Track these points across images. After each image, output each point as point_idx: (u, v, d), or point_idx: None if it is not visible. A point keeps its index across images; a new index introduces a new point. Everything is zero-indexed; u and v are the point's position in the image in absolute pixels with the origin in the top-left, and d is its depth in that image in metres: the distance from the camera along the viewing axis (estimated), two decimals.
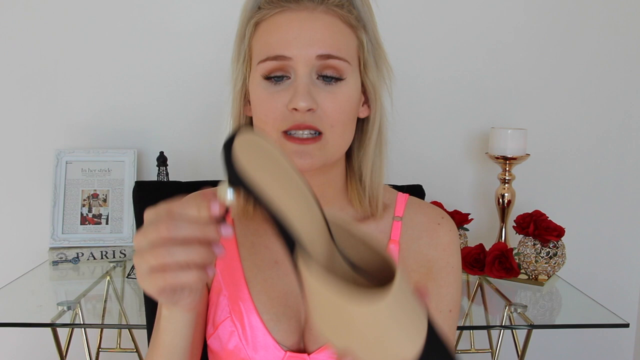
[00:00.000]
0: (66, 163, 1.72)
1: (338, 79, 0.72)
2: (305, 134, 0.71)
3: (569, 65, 1.85)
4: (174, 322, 0.64)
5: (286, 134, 0.71)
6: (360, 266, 0.55)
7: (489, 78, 1.84)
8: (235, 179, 0.52)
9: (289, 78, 0.72)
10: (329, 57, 0.70)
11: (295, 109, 0.70)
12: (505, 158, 1.67)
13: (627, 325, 1.33)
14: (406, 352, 0.50)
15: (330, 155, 0.74)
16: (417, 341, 0.51)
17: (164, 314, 0.65)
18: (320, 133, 0.71)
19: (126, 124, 1.78)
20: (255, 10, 0.75)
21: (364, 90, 0.78)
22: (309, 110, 0.70)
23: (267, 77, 0.72)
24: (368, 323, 0.48)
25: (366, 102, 0.79)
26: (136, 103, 1.79)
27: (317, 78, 0.72)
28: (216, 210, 0.54)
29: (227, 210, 0.55)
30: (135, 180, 1.68)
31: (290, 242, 0.53)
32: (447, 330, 0.79)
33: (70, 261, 1.65)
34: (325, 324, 0.51)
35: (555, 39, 1.84)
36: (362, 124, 0.80)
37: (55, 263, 1.64)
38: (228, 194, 0.54)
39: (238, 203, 0.56)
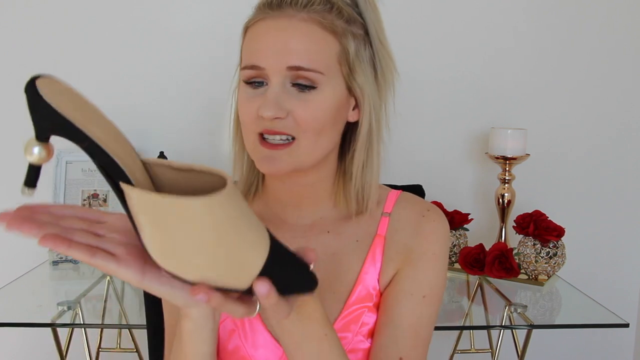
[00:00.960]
0: (66, 163, 1.72)
1: (311, 87, 0.73)
2: (277, 139, 0.73)
3: (569, 65, 1.85)
4: (199, 330, 0.63)
5: (262, 137, 0.73)
6: (189, 192, 0.53)
7: (489, 78, 1.84)
8: (49, 125, 0.48)
9: (267, 85, 0.73)
10: (299, 68, 0.71)
11: (262, 116, 0.72)
12: (505, 158, 1.67)
13: (627, 325, 1.34)
14: (251, 261, 0.51)
15: (302, 160, 0.74)
16: (260, 250, 0.51)
17: (188, 326, 0.62)
18: (293, 138, 0.73)
19: (126, 124, 1.77)
20: (249, 16, 0.77)
21: (354, 95, 0.77)
22: (276, 118, 0.71)
23: (248, 82, 0.74)
24: (204, 226, 0.48)
25: (356, 106, 0.79)
26: (136, 103, 1.79)
27: (292, 85, 0.73)
28: None
29: (38, 170, 0.51)
30: None
31: (115, 181, 0.50)
32: (419, 314, 0.78)
33: (70, 261, 1.65)
34: (166, 253, 0.50)
35: (555, 39, 1.84)
36: (353, 127, 0.80)
37: (55, 263, 1.64)
38: (35, 150, 0.49)
39: (48, 158, 0.50)
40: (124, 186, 0.49)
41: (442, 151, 1.86)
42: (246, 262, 0.52)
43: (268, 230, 0.55)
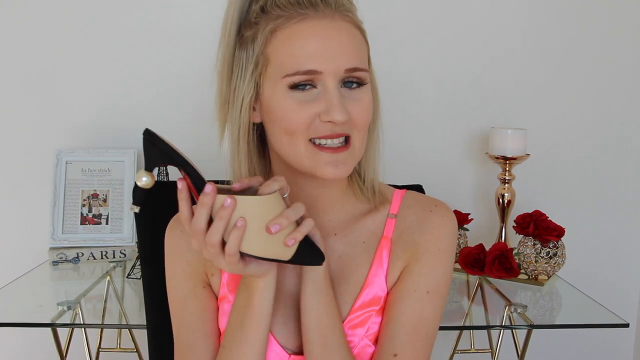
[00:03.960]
0: (66, 163, 1.72)
1: (359, 84, 0.74)
2: (336, 142, 0.73)
3: (569, 65, 1.85)
4: (269, 288, 0.73)
5: (313, 142, 0.72)
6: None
7: (489, 78, 1.84)
8: (158, 158, 0.70)
9: (315, 87, 0.72)
10: (355, 69, 0.72)
11: (330, 121, 0.71)
12: (505, 158, 1.67)
13: (627, 325, 1.33)
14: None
15: (357, 158, 0.76)
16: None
17: (260, 285, 0.73)
18: (348, 139, 0.74)
19: (126, 124, 1.78)
20: (260, 15, 0.73)
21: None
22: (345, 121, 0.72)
23: (296, 87, 0.72)
24: (265, 215, 0.67)
25: None
26: (136, 103, 1.79)
27: (342, 86, 0.73)
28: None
29: (145, 193, 0.70)
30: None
31: (200, 185, 0.69)
32: (421, 310, 0.78)
33: (70, 261, 1.65)
34: (245, 239, 0.68)
35: (556, 39, 1.84)
36: None
37: (55, 263, 1.64)
38: (143, 179, 0.69)
39: (152, 183, 0.70)
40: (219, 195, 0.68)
41: (442, 151, 1.86)
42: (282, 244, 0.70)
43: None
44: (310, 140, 0.72)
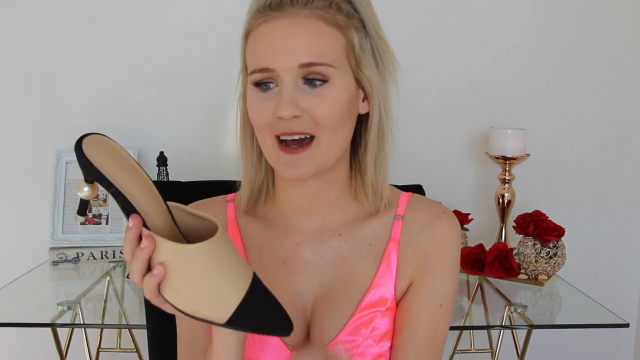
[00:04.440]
0: (66, 163, 1.72)
1: (323, 82, 0.72)
2: (296, 138, 0.72)
3: (569, 65, 1.85)
4: (227, 342, 0.68)
5: (279, 140, 0.73)
6: (195, 235, 0.67)
7: (489, 78, 1.84)
8: (91, 175, 0.64)
9: (277, 85, 0.73)
10: (311, 64, 0.71)
11: (280, 117, 0.71)
12: (505, 158, 1.67)
13: (627, 325, 1.34)
14: (229, 298, 0.62)
15: (323, 160, 0.74)
16: (238, 288, 0.62)
17: (216, 334, 0.68)
18: (312, 137, 0.72)
19: (126, 124, 1.78)
20: (246, 21, 0.77)
21: (362, 87, 0.78)
22: (294, 117, 0.71)
23: (257, 85, 0.74)
24: (194, 267, 0.61)
25: (365, 98, 0.79)
26: (136, 103, 1.79)
27: (304, 83, 0.72)
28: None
29: (87, 203, 0.68)
30: None
31: (128, 211, 0.64)
32: (436, 324, 0.79)
33: (70, 261, 1.65)
34: (165, 284, 0.62)
35: (556, 39, 1.84)
36: (364, 120, 0.80)
37: (55, 263, 1.64)
38: (85, 189, 0.66)
39: (94, 195, 0.66)
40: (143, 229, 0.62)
41: (442, 151, 1.86)
42: (224, 299, 0.62)
43: (254, 273, 0.66)
44: (277, 136, 0.73)
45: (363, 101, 0.79)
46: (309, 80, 0.72)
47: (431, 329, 0.79)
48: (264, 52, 0.72)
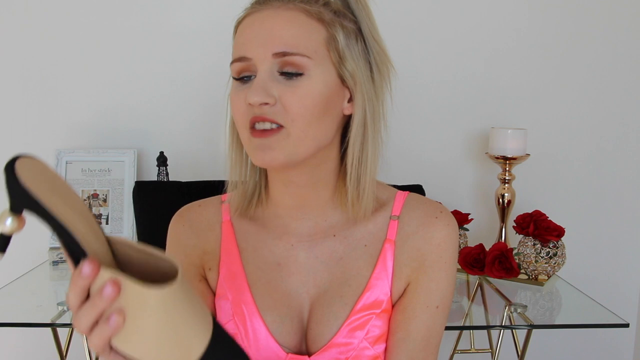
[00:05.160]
0: (66, 163, 1.72)
1: (299, 74, 0.72)
2: (267, 126, 0.71)
3: (569, 65, 1.85)
4: None
5: (253, 130, 0.73)
6: (145, 272, 0.58)
7: (489, 78, 1.84)
8: (21, 202, 0.53)
9: (255, 77, 0.73)
10: (284, 54, 0.71)
11: (250, 104, 0.71)
12: (505, 158, 1.67)
13: (627, 325, 1.33)
14: (194, 346, 0.56)
15: (295, 151, 0.72)
16: (203, 336, 0.57)
17: None
18: (280, 126, 0.71)
19: (126, 124, 1.78)
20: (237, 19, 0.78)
21: (347, 86, 0.76)
22: (265, 104, 0.71)
23: (237, 78, 0.74)
24: (153, 313, 0.53)
25: (352, 99, 0.77)
26: (136, 103, 1.79)
27: (280, 75, 0.72)
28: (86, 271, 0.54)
29: (9, 239, 0.54)
30: (135, 180, 1.68)
31: (75, 253, 0.55)
32: (432, 325, 0.79)
33: None
34: (125, 339, 0.54)
35: (556, 39, 1.84)
36: (350, 122, 0.78)
37: (55, 263, 1.64)
38: (7, 222, 0.53)
39: (19, 229, 0.54)
40: (92, 264, 0.53)
41: (442, 151, 1.86)
42: (189, 348, 0.56)
43: (214, 318, 0.60)
44: (251, 129, 0.73)
45: (349, 102, 0.77)
46: (286, 74, 0.72)
47: (426, 331, 0.79)
48: (242, 41, 0.73)
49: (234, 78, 0.75)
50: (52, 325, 1.29)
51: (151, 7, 1.76)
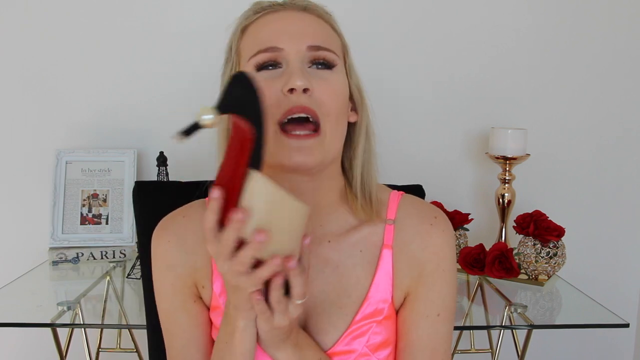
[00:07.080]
0: (66, 163, 1.72)
1: (331, 67, 0.73)
2: (305, 131, 0.71)
3: (569, 65, 1.85)
4: (250, 327, 0.69)
5: (282, 128, 0.71)
6: None
7: (489, 78, 1.84)
8: (234, 107, 0.59)
9: (281, 67, 0.73)
10: (319, 48, 0.72)
11: (291, 91, 0.70)
12: (505, 158, 1.67)
13: (627, 326, 1.33)
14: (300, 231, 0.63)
15: (327, 151, 0.73)
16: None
17: (241, 324, 0.69)
18: (317, 126, 0.71)
19: (126, 124, 1.78)
20: (242, 19, 0.78)
21: (350, 95, 0.78)
22: (305, 90, 0.70)
23: (262, 67, 0.73)
24: (291, 218, 0.60)
25: (354, 107, 0.80)
26: (136, 103, 1.79)
27: (310, 67, 0.73)
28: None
29: (198, 129, 0.60)
30: (135, 180, 1.68)
31: (256, 162, 0.60)
32: (435, 333, 0.78)
33: (70, 261, 1.65)
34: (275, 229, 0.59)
35: (556, 39, 1.84)
36: (351, 129, 0.80)
37: (55, 263, 1.64)
38: (209, 117, 0.59)
39: (214, 126, 0.60)
40: (259, 176, 0.58)
41: (442, 151, 1.86)
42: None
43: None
44: (279, 125, 0.71)
45: (351, 111, 0.79)
46: (319, 64, 0.72)
47: (430, 339, 0.78)
48: (271, 33, 0.73)
49: (257, 69, 0.73)
50: (52, 325, 1.28)
51: (151, 7, 1.76)
